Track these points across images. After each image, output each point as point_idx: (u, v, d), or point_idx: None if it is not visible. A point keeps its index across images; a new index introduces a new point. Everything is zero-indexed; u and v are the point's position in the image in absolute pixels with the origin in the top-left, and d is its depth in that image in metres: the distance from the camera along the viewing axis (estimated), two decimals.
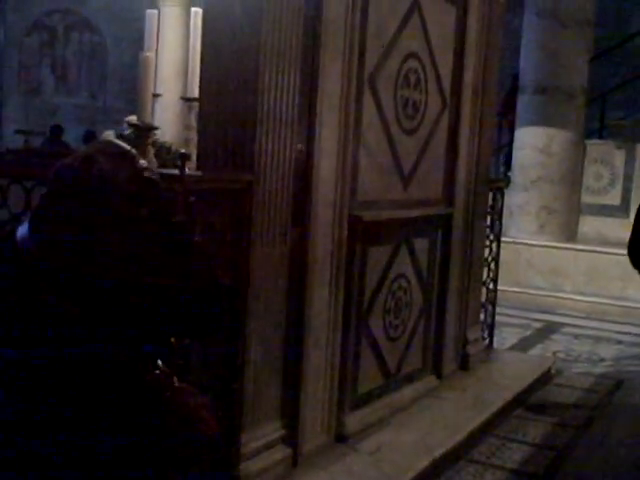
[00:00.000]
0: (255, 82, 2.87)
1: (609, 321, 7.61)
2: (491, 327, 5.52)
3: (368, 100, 3.63)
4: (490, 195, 5.38)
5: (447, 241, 4.56)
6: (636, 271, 3.86)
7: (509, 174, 8.96)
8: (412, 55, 3.96)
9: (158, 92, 4.13)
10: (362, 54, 3.53)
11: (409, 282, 4.16)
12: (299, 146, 3.10)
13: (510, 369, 5.21)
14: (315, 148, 3.21)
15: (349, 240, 3.51)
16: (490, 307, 5.51)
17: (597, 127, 9.94)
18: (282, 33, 2.95)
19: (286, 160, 3.03)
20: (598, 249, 8.67)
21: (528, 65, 8.83)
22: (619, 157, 9.11)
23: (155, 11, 4.38)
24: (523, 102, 8.88)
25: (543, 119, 8.66)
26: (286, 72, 2.99)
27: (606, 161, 9.11)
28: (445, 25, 4.33)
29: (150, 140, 3.39)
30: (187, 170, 2.62)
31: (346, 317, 3.56)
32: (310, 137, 3.19)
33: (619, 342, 6.78)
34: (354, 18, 3.42)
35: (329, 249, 3.39)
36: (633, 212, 10.08)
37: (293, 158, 3.07)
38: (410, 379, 4.26)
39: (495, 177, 6.59)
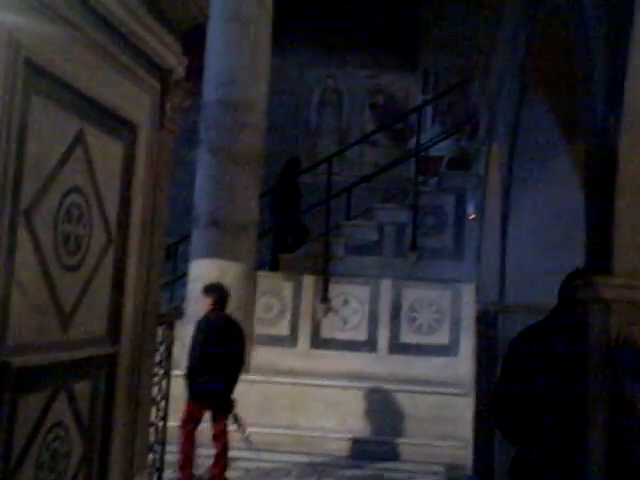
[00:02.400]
0: None
1: (281, 452, 7.73)
2: (160, 470, 5.28)
3: (23, 235, 3.36)
4: (161, 330, 5.26)
5: (111, 382, 4.30)
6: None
7: (183, 306, 8.96)
8: (75, 189, 3.78)
9: None
10: (17, 187, 3.28)
11: (67, 431, 3.82)
12: None
13: None
14: None
15: None
16: (160, 448, 5.29)
17: (268, 259, 10.41)
18: None
19: None
20: (271, 379, 8.89)
21: (202, 198, 9.06)
22: (288, 288, 9.55)
23: None
24: (197, 234, 9.04)
25: (216, 251, 8.86)
26: None
27: (275, 292, 9.50)
28: (111, 160, 4.23)
29: None
30: None
31: None
32: None
33: (288, 473, 6.88)
34: (9, 148, 3.19)
35: None
36: (302, 342, 10.54)
37: None
38: None
39: (166, 311, 6.51)
